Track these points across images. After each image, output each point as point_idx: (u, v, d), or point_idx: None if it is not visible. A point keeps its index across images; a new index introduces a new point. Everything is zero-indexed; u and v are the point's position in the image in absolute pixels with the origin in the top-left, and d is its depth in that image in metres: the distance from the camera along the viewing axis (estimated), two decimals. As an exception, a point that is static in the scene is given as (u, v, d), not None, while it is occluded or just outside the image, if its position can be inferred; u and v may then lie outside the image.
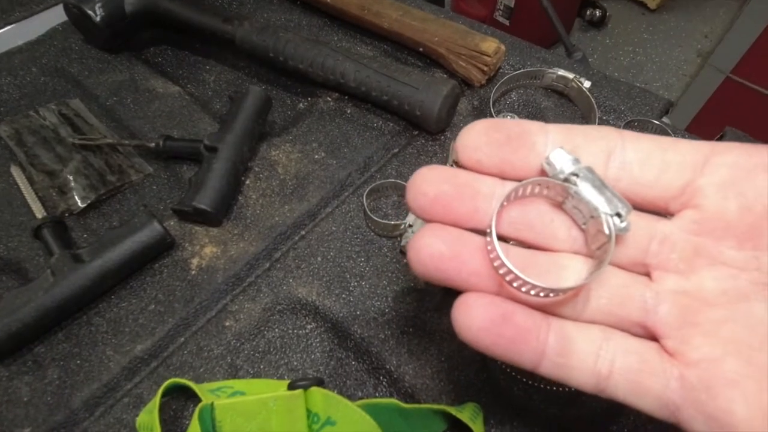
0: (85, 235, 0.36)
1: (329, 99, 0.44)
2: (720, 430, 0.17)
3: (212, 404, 0.26)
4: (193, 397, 0.29)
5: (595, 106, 0.40)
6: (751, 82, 1.14)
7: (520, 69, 0.44)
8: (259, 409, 0.26)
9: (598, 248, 0.20)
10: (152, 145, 0.38)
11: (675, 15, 1.70)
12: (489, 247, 0.20)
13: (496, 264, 0.19)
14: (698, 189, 0.19)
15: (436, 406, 0.27)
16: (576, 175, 0.19)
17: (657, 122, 0.40)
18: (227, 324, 0.32)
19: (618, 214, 0.19)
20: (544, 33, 1.26)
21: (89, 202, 0.36)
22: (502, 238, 0.19)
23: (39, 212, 0.36)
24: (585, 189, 0.19)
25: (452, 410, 0.27)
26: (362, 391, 0.30)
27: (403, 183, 0.37)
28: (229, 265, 0.34)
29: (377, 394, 0.30)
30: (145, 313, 0.33)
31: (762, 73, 1.12)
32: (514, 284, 0.19)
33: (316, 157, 0.40)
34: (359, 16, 0.46)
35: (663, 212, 0.20)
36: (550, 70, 0.42)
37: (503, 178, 0.21)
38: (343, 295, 0.33)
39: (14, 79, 0.44)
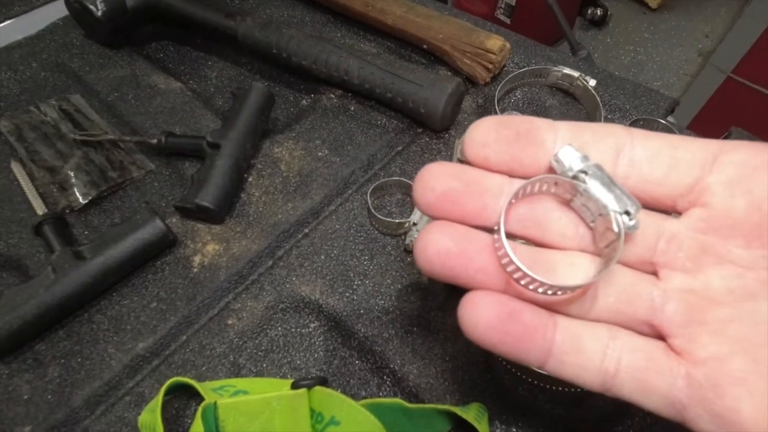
0: (86, 232, 0.36)
1: (333, 96, 0.44)
2: (727, 428, 0.17)
3: (215, 403, 0.26)
4: (195, 396, 0.29)
5: (601, 105, 0.39)
6: (752, 82, 1.14)
7: (524, 67, 0.43)
8: (262, 409, 0.26)
9: (606, 246, 0.20)
10: (154, 141, 0.38)
11: (676, 14, 1.70)
12: (497, 245, 0.19)
13: (503, 261, 0.19)
14: (706, 187, 0.19)
15: (440, 406, 0.27)
16: (585, 172, 0.19)
17: (663, 121, 0.40)
18: (230, 322, 0.32)
19: (627, 212, 0.19)
20: (545, 32, 1.26)
21: (90, 198, 0.36)
22: (509, 236, 0.19)
23: (40, 208, 0.35)
24: (594, 186, 0.19)
25: (457, 410, 0.26)
26: (366, 390, 0.30)
27: (407, 181, 0.37)
28: (232, 263, 0.34)
29: (381, 394, 0.30)
30: (147, 311, 0.32)
31: (763, 73, 1.12)
32: (522, 282, 0.19)
33: (320, 154, 0.40)
34: (363, 13, 0.46)
35: (671, 210, 0.20)
36: (555, 68, 0.42)
37: (511, 175, 0.20)
38: (347, 294, 0.33)
39: (14, 74, 0.44)
